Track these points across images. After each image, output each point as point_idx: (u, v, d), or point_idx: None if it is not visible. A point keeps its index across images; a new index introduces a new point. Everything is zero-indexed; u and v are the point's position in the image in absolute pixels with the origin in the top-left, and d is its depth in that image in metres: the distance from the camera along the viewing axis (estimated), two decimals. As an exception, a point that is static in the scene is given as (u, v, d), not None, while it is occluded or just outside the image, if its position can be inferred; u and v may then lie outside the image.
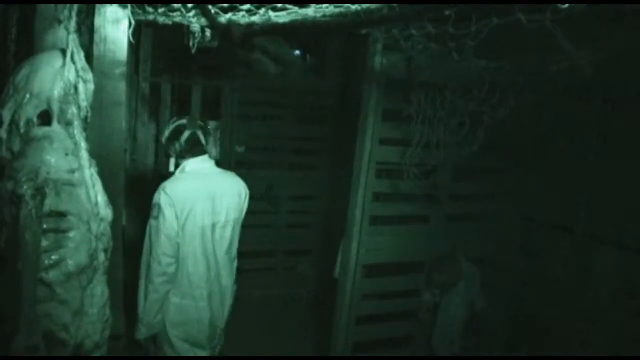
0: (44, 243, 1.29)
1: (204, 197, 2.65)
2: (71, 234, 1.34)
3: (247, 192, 2.88)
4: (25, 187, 1.30)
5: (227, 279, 2.85)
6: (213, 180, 2.74)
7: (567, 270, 3.27)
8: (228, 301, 2.87)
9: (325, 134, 5.38)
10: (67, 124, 1.41)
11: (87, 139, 1.50)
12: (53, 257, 1.30)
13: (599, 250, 3.12)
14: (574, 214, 3.27)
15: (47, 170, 1.33)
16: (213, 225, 2.71)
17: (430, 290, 3.35)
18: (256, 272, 5.43)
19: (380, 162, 3.10)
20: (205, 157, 2.77)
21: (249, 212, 5.27)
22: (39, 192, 1.32)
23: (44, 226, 1.30)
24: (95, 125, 1.73)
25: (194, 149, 2.71)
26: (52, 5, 1.57)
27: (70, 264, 1.33)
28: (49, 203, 1.32)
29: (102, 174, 1.58)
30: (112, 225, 1.57)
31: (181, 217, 2.56)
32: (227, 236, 2.80)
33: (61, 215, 1.34)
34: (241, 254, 5.30)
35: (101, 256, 1.43)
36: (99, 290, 1.41)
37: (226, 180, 2.82)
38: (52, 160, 1.34)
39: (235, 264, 2.96)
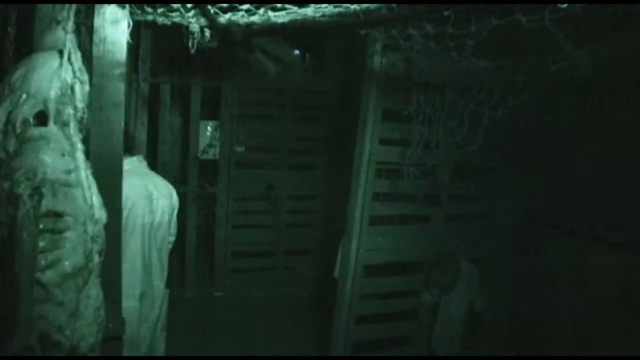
0: (41, 243, 1.29)
1: (144, 196, 2.69)
2: (68, 235, 1.34)
3: (177, 198, 2.91)
4: (23, 186, 1.30)
5: (159, 281, 2.83)
6: (150, 181, 2.78)
7: (567, 270, 3.27)
8: (158, 302, 2.82)
9: (325, 134, 5.37)
10: (64, 124, 1.40)
11: (83, 141, 1.50)
12: (49, 257, 1.30)
13: (599, 250, 3.12)
14: (574, 214, 3.26)
15: (44, 170, 1.32)
16: (151, 224, 2.73)
17: (430, 290, 3.34)
18: (256, 272, 5.44)
19: (380, 162, 3.10)
20: (140, 157, 2.84)
21: (249, 212, 5.36)
22: (37, 192, 1.32)
23: (41, 226, 1.30)
24: (95, 126, 1.73)
25: (130, 148, 2.75)
26: (50, 6, 1.57)
27: (67, 265, 1.32)
28: (46, 203, 1.31)
29: (100, 175, 1.58)
30: (111, 226, 1.57)
31: (122, 214, 2.61)
32: (160, 237, 2.81)
33: (58, 215, 1.34)
34: (241, 254, 5.38)
35: (96, 258, 1.43)
36: (94, 292, 1.41)
37: (160, 182, 2.85)
38: (49, 160, 1.34)
39: (165, 269, 2.91)
